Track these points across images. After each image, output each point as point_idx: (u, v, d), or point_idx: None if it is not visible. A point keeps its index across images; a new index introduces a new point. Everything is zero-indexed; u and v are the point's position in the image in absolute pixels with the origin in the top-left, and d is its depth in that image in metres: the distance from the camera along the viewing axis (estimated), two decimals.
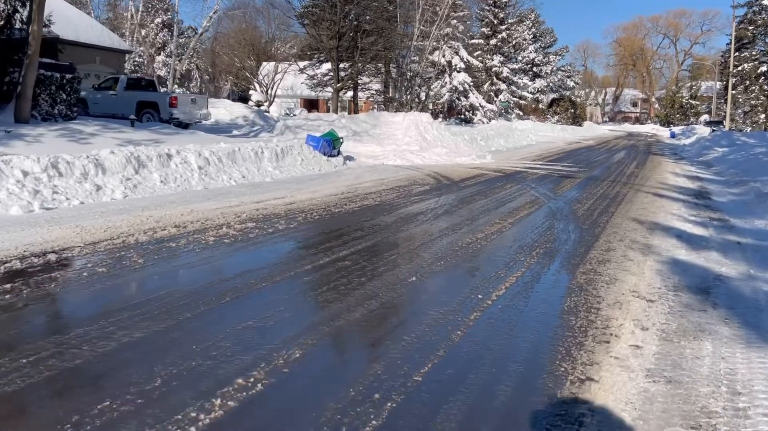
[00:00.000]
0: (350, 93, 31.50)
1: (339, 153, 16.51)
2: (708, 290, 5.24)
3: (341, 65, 27.63)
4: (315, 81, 29.82)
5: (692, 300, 4.94)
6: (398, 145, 20.51)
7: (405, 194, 10.40)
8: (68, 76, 15.17)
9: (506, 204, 9.84)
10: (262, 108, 41.82)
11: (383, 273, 5.29)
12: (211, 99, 43.97)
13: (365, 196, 9.93)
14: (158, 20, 58.17)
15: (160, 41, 59.71)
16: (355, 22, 26.75)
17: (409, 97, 32.54)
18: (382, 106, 35.95)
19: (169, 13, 60.38)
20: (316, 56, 29.15)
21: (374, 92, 32.03)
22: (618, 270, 5.78)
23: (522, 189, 11.95)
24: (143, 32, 57.62)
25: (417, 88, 34.24)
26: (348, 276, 5.14)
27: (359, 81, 31.35)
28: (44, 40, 16.50)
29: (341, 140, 16.54)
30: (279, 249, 6.15)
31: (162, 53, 59.56)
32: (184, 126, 19.52)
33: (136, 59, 40.82)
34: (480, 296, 4.78)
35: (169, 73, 61.00)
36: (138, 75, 28.61)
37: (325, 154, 15.32)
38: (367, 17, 27.97)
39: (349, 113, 33.05)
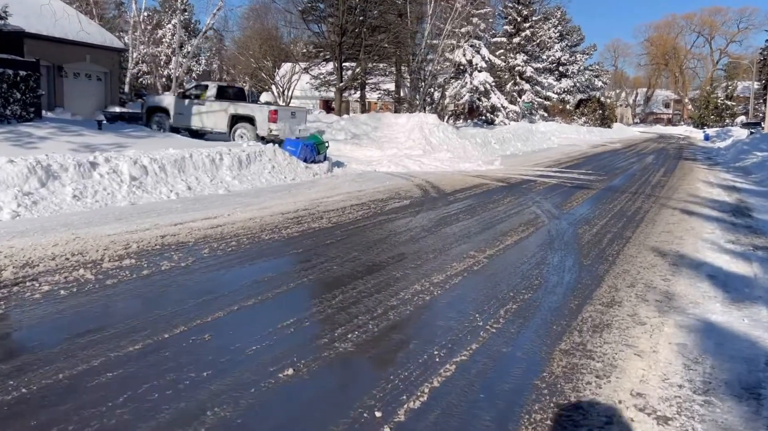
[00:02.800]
0: (358, 93, 29.72)
1: (325, 158, 14.78)
2: (760, 393, 3.33)
3: (347, 64, 25.88)
4: (320, 80, 28.12)
5: (735, 417, 3.03)
6: (399, 149, 18.71)
7: (374, 212, 8.58)
8: (23, 73, 13.68)
9: (494, 226, 7.94)
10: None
11: (212, 379, 3.49)
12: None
13: (323, 214, 8.14)
14: (175, 20, 57.32)
15: (177, 42, 58.77)
16: (361, 17, 24.97)
17: (420, 97, 30.68)
18: (394, 107, 34.18)
19: (186, 14, 59.48)
20: (321, 54, 27.44)
21: (383, 92, 30.21)
22: (619, 347, 3.89)
23: (522, 204, 10.03)
24: (159, 33, 56.88)
25: (430, 88, 32.38)
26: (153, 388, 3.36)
27: (368, 81, 29.59)
28: (1, 34, 15.12)
29: (327, 144, 14.80)
30: (113, 313, 4.37)
31: (179, 54, 58.77)
32: (279, 144, 17.30)
33: (142, 58, 39.56)
34: (368, 416, 2.95)
35: (186, 74, 60.24)
36: (226, 82, 26.40)
37: (306, 160, 13.59)
38: (375, 12, 26.17)
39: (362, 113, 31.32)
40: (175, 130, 17.67)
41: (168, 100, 18.38)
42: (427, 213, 8.73)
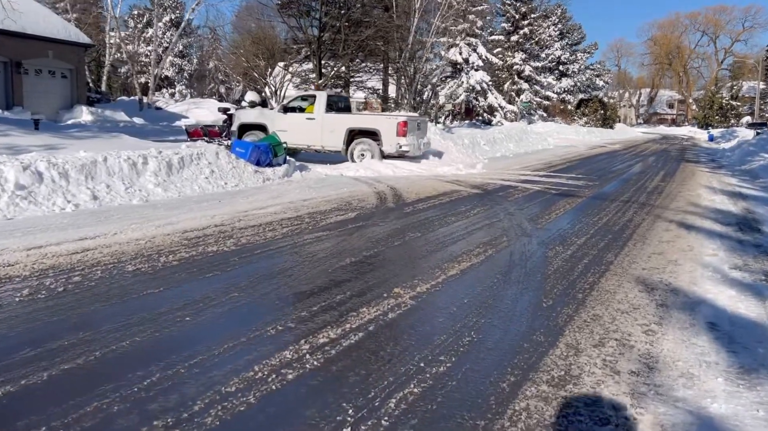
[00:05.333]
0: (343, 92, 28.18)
1: (285, 161, 13.29)
2: None
3: (332, 62, 24.38)
4: (300, 78, 26.62)
5: None
6: None
7: (302, 229, 7.09)
8: None
9: (444, 248, 6.44)
10: (256, 108, 38.97)
11: None
12: (195, 99, 41.33)
13: (235, 233, 6.66)
14: (166, 19, 55.82)
15: (168, 41, 57.61)
16: (342, 11, 23.47)
17: (409, 96, 29.17)
18: (381, 107, 32.64)
19: (177, 12, 58.01)
20: (304, 50, 25.95)
21: (369, 91, 28.71)
22: None
23: (491, 217, 8.52)
24: (150, 31, 55.65)
25: (419, 86, 30.87)
26: None
27: (353, 79, 28.09)
28: None
29: (285, 145, 13.31)
30: None
31: (171, 53, 57.46)
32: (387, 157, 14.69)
33: (131, 57, 38.18)
34: None
35: (177, 74, 58.93)
36: (334, 90, 23.90)
37: (260, 164, 12.12)
38: (358, 5, 24.66)
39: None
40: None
41: (266, 114, 15.77)
42: (368, 230, 7.23)
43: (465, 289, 4.93)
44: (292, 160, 13.89)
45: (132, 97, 32.74)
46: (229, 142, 15.50)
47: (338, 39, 23.38)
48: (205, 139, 16.23)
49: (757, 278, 5.72)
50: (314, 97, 15.36)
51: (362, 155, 14.42)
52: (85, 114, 23.37)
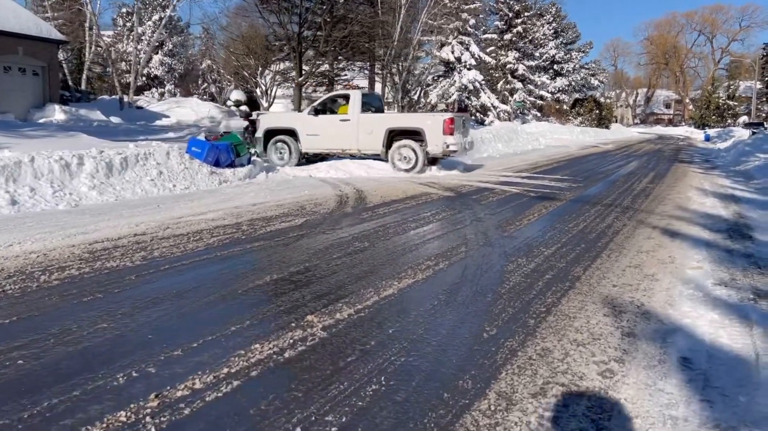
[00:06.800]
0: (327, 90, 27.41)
1: (250, 161, 12.50)
2: None
3: (309, 59, 23.56)
4: (281, 76, 25.82)
5: None
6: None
7: (240, 238, 6.30)
8: None
9: (392, 261, 5.64)
10: (242, 108, 38.07)
11: None
12: (177, 98, 40.48)
13: (154, 244, 5.86)
14: (156, 17, 54.91)
15: (157, 40, 56.68)
16: (324, 6, 22.66)
17: (396, 95, 28.39)
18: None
19: (167, 10, 57.13)
20: (286, 47, 25.14)
21: (355, 89, 27.90)
22: None
23: (456, 222, 7.73)
24: (140, 30, 54.71)
25: (407, 84, 30.09)
26: None
27: (338, 77, 27.30)
28: None
29: (247, 145, 12.51)
30: None
31: (160, 52, 56.56)
32: (432, 162, 13.76)
33: (121, 56, 37.28)
34: None
35: (167, 73, 58.02)
36: (367, 88, 22.09)
37: (219, 164, 11.34)
38: (341, 0, 23.86)
39: None
40: (305, 158, 14.27)
41: (295, 118, 14.58)
42: (310, 239, 6.43)
43: (395, 315, 4.13)
44: (259, 160, 13.12)
45: (113, 96, 31.92)
46: (254, 150, 14.54)
47: (320, 36, 22.56)
48: None
49: (744, 296, 4.94)
50: (346, 96, 14.19)
51: (405, 159, 13.31)
52: (57, 113, 22.54)
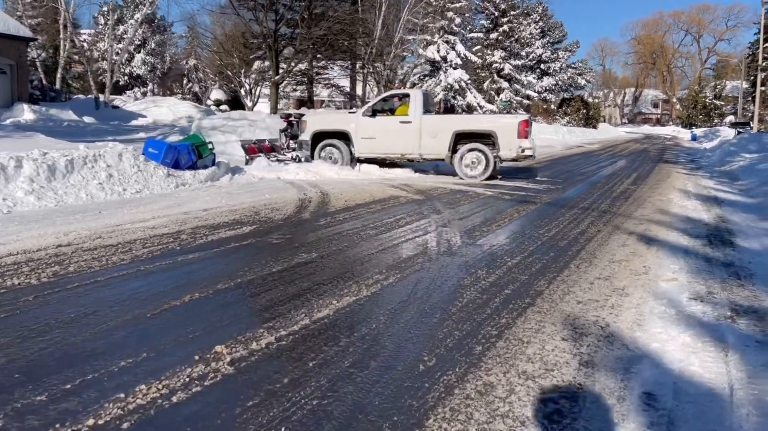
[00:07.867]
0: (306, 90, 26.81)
1: (214, 163, 11.93)
2: None
3: (285, 57, 22.98)
4: (256, 75, 25.22)
5: None
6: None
7: (174, 249, 5.75)
8: None
9: (336, 275, 5.11)
10: (222, 107, 37.39)
11: None
12: (155, 97, 39.76)
13: (80, 254, 5.31)
14: (137, 16, 54.04)
15: (140, 38, 55.82)
16: (301, 3, 22.10)
17: (377, 94, 27.84)
18: (350, 105, 31.24)
19: (144, 7, 56.25)
20: (264, 45, 24.54)
21: (335, 88, 27.37)
22: None
23: (419, 229, 7.21)
24: (121, 28, 53.81)
25: (391, 84, 29.57)
26: None
27: (318, 76, 26.72)
28: None
29: (210, 146, 11.94)
30: None
31: (142, 51, 55.68)
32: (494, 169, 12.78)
33: (102, 55, 36.49)
34: None
35: (150, 72, 57.11)
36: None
37: (179, 166, 10.76)
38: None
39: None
40: (358, 162, 13.32)
41: (349, 119, 13.43)
42: (253, 250, 5.89)
43: (322, 344, 3.59)
44: (225, 161, 12.54)
45: (89, 96, 31.18)
46: (296, 154, 13.74)
47: (298, 33, 21.99)
48: (270, 155, 13.79)
49: (720, 314, 4.45)
50: (405, 96, 13.10)
51: (474, 164, 12.44)
52: (26, 113, 21.84)
